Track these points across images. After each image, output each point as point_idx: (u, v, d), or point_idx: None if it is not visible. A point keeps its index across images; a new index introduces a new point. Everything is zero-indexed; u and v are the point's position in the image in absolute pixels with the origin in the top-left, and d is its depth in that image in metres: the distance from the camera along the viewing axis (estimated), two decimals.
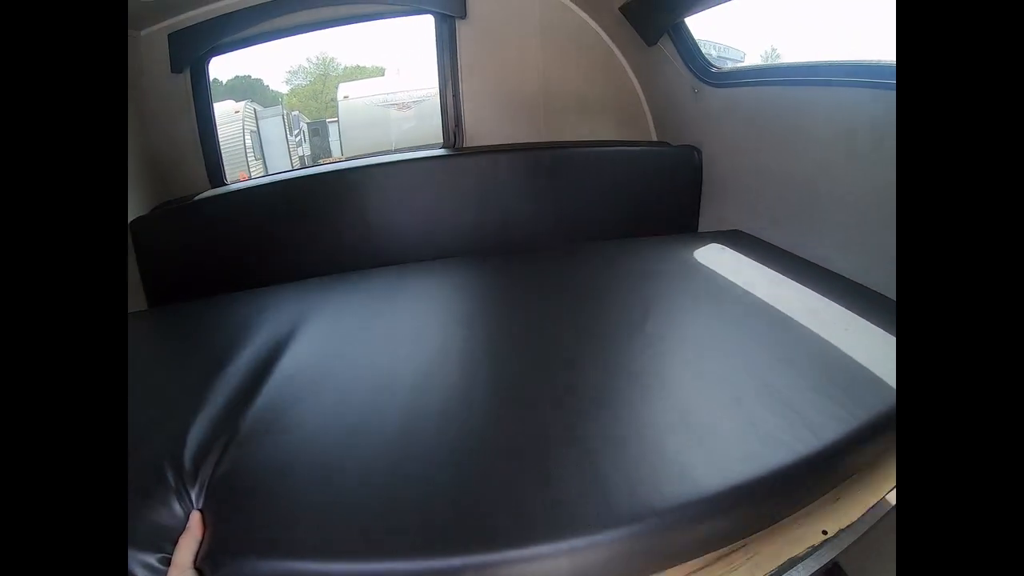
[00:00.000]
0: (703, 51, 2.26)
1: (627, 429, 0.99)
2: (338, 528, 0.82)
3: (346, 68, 15.93)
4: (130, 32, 2.36)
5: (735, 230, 2.14)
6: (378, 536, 0.80)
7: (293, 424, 1.05)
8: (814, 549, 0.93)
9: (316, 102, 16.18)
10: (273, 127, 8.45)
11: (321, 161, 10.02)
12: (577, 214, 2.47)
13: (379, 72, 13.79)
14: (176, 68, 2.47)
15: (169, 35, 2.43)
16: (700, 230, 2.47)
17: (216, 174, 2.62)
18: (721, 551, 0.92)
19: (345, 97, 7.43)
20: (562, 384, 1.14)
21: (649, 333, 1.34)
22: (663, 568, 0.88)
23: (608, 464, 0.89)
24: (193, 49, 2.46)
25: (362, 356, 1.33)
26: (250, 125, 8.48)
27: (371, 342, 1.41)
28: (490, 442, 0.99)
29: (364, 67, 15.02)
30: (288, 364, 1.27)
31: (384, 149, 6.52)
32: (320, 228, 2.38)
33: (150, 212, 2.42)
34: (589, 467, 0.89)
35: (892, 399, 1.04)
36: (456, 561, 0.77)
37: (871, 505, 1.02)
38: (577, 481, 0.86)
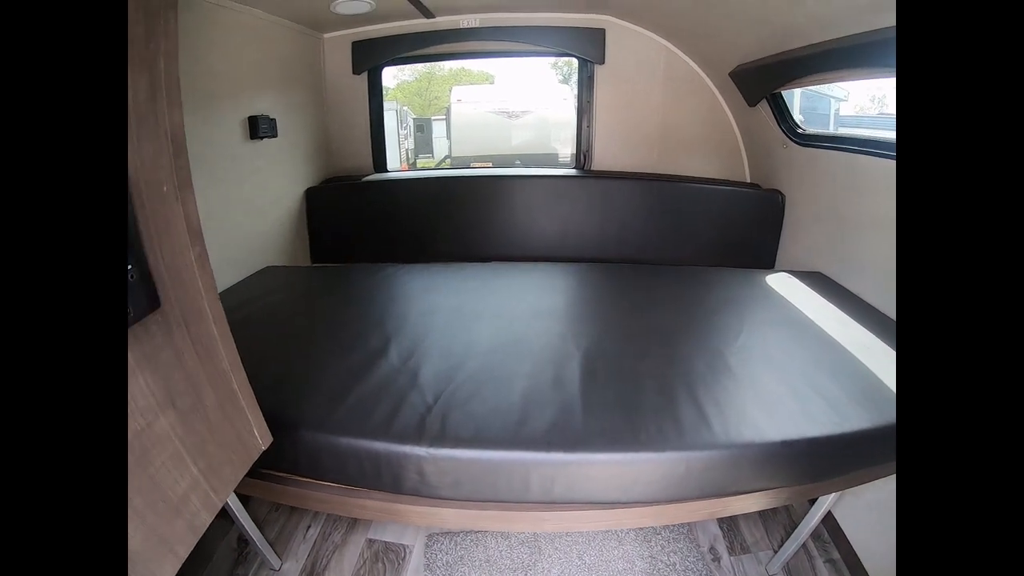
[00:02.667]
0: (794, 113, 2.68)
1: (724, 395, 1.42)
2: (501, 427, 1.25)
3: (451, 70, 16.46)
4: (315, 33, 2.96)
5: (817, 272, 2.47)
6: (555, 436, 1.22)
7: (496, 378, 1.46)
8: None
9: (420, 99, 16.75)
10: (388, 120, 8.87)
11: (420, 160, 10.41)
12: (679, 236, 2.92)
13: (486, 78, 14.21)
14: (356, 71, 3.06)
15: (353, 43, 3.01)
16: (777, 265, 2.85)
17: (380, 161, 3.20)
18: (765, 490, 1.36)
19: (459, 100, 7.88)
20: (678, 366, 1.56)
21: (741, 343, 1.75)
22: (729, 491, 1.30)
23: (711, 412, 1.32)
24: (373, 58, 3.04)
25: (539, 331, 1.75)
26: None
27: (543, 323, 1.82)
28: (632, 386, 1.42)
29: (469, 71, 15.48)
30: (483, 337, 1.70)
31: (497, 153, 7.00)
32: (467, 220, 2.92)
33: (321, 184, 3.00)
34: (697, 412, 1.31)
35: None
36: (601, 456, 1.19)
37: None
38: (690, 416, 1.30)
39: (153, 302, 0.84)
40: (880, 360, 1.63)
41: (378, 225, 2.92)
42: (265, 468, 1.32)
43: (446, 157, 8.72)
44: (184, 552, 0.95)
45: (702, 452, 1.20)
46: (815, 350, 1.71)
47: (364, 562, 1.96)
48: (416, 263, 2.38)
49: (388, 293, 2.06)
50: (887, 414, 1.37)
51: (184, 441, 0.93)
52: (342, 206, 2.95)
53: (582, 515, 1.30)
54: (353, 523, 2.11)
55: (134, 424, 0.82)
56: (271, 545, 1.94)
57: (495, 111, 7.49)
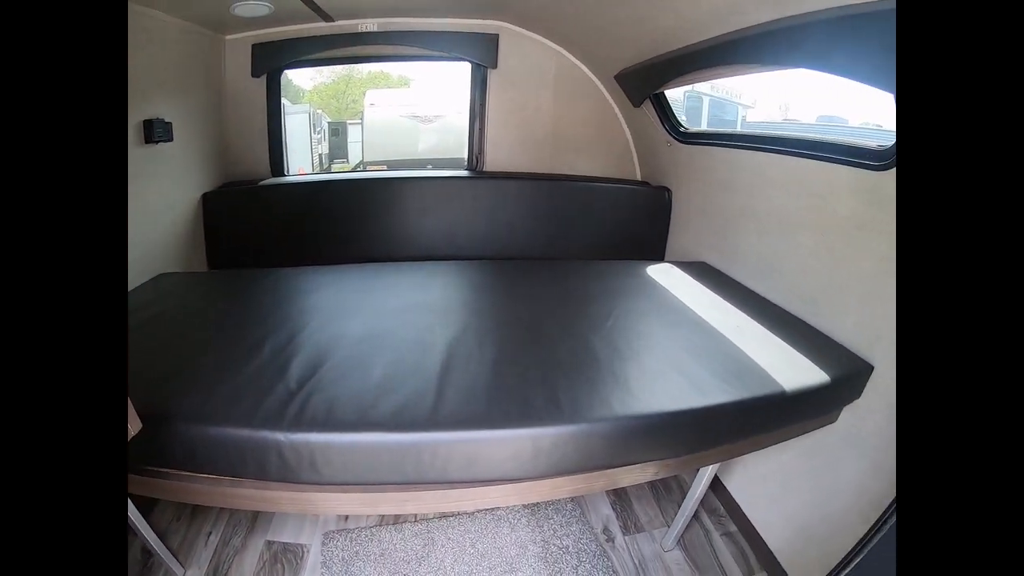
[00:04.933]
0: (702, 110, 2.83)
1: (579, 377, 1.49)
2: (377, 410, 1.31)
3: (370, 73, 16.21)
4: (217, 35, 2.91)
5: (702, 262, 2.62)
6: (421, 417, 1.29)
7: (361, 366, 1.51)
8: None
9: (337, 102, 16.41)
10: (299, 124, 8.62)
11: (335, 164, 10.25)
12: (569, 233, 3.05)
13: (403, 82, 14.11)
14: (256, 74, 3.02)
15: (253, 45, 2.97)
16: (666, 257, 3.00)
17: (278, 165, 3.17)
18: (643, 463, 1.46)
19: (372, 104, 7.84)
20: (539, 353, 1.63)
21: (610, 326, 1.85)
22: (588, 466, 1.39)
23: (562, 394, 1.40)
24: (273, 61, 3.01)
25: (408, 324, 1.80)
26: None
27: (413, 316, 1.88)
28: (489, 372, 1.49)
29: (388, 74, 15.29)
30: (354, 330, 1.74)
31: (409, 158, 7.01)
32: (366, 223, 2.95)
33: (218, 188, 2.95)
34: (550, 394, 1.39)
35: (772, 387, 1.51)
36: (446, 435, 1.26)
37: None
38: (542, 398, 1.37)
39: None
40: (748, 340, 1.76)
41: (274, 229, 2.90)
42: (149, 465, 1.34)
43: (361, 162, 8.66)
44: None
45: (549, 428, 1.29)
46: (682, 333, 1.83)
47: (264, 564, 1.98)
48: (310, 266, 2.39)
49: (273, 295, 2.07)
50: (750, 389, 1.49)
51: None
52: (238, 211, 2.91)
53: (438, 495, 1.37)
54: (252, 526, 2.12)
55: None
56: (174, 554, 1.94)
57: (408, 115, 7.51)
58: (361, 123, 8.83)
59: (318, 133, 9.62)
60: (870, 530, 0.95)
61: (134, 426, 1.19)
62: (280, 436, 1.21)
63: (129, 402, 1.17)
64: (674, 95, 2.87)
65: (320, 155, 9.69)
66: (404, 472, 1.27)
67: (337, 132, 10.51)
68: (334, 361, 1.50)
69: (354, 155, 9.98)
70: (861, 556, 0.82)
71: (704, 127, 2.85)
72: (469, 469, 1.28)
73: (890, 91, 1.47)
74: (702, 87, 5.50)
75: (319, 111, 10.52)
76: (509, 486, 1.37)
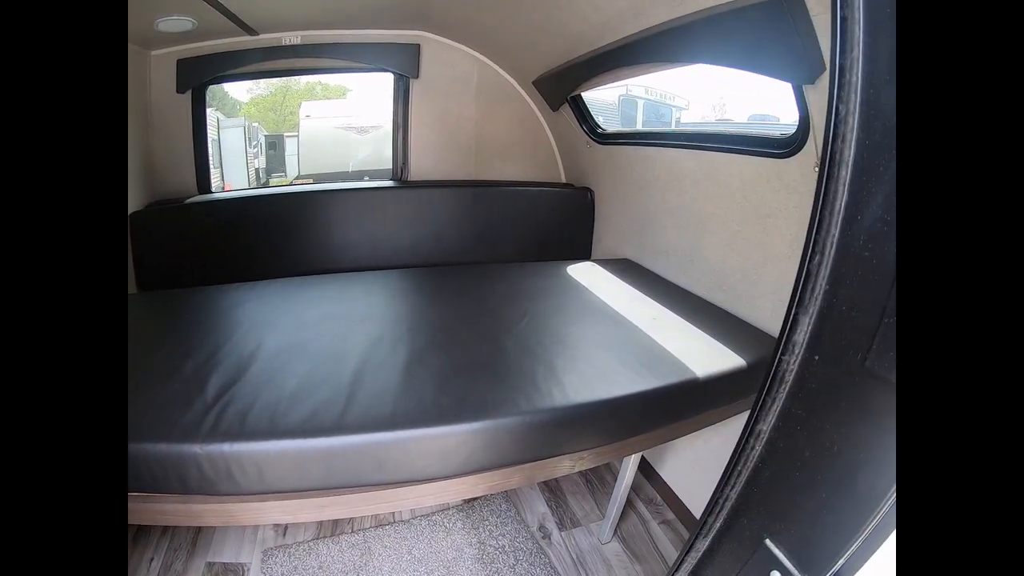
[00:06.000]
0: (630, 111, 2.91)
1: (487, 377, 1.53)
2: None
3: (307, 84, 15.88)
4: (143, 51, 2.84)
5: (625, 259, 2.70)
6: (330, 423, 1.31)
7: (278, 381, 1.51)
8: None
9: (275, 114, 15.94)
10: (234, 137, 8.46)
11: (273, 179, 10.02)
12: (496, 238, 3.11)
13: (340, 93, 13.91)
14: (181, 90, 2.97)
15: (178, 61, 2.92)
16: (593, 256, 3.09)
17: (205, 182, 3.12)
18: (558, 456, 1.49)
19: (307, 116, 7.74)
20: (450, 355, 1.66)
21: (523, 326, 1.89)
22: (518, 460, 1.43)
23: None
24: (197, 76, 2.97)
25: (325, 334, 1.81)
26: (212, 133, 8.47)
27: (331, 326, 1.89)
28: (400, 377, 1.51)
29: (326, 84, 15.01)
30: (272, 343, 1.74)
31: (346, 170, 6.93)
32: (292, 237, 2.94)
33: (145, 207, 2.89)
34: (460, 394, 1.42)
35: (685, 374, 1.57)
36: (357, 438, 1.29)
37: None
38: (452, 398, 1.41)
39: None
40: (664, 331, 1.83)
41: (202, 247, 2.86)
42: None
43: (299, 175, 8.52)
44: None
45: (455, 427, 1.33)
46: (596, 328, 1.90)
47: None
48: (239, 282, 2.37)
49: (197, 314, 2.05)
50: (662, 377, 1.56)
51: None
52: (166, 230, 2.85)
53: (354, 498, 1.39)
54: (192, 548, 2.11)
55: None
56: None
57: (344, 126, 7.42)
58: (297, 136, 8.65)
59: (254, 147, 9.33)
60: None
61: None
62: (196, 448, 1.22)
63: None
64: (608, 98, 2.94)
65: (257, 169, 9.40)
66: (317, 477, 1.29)
67: (274, 145, 10.16)
68: (251, 374, 1.51)
69: (292, 168, 9.75)
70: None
71: (639, 129, 2.92)
72: (380, 471, 1.31)
73: (785, 79, 1.56)
74: (636, 90, 5.65)
75: (255, 124, 10.22)
76: (423, 486, 1.40)
